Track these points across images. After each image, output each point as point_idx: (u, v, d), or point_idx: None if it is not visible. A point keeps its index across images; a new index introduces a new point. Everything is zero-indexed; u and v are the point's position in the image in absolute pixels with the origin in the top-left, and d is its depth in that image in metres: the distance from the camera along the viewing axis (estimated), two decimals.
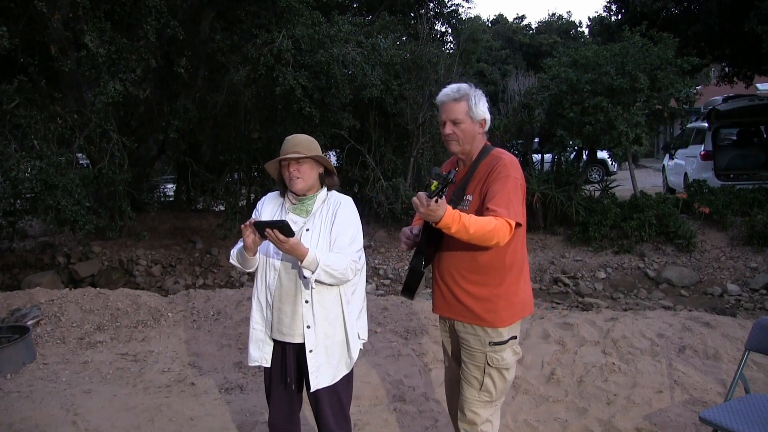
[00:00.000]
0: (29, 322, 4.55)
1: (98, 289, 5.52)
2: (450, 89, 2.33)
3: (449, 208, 1.99)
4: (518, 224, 2.17)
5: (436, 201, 1.92)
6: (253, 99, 9.92)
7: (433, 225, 2.04)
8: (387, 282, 8.21)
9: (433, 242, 2.33)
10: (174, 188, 12.53)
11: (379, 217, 9.60)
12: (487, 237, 2.07)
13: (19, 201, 7.67)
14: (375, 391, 3.63)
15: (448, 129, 2.31)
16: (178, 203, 11.61)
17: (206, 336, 4.62)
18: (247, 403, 3.54)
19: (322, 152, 2.43)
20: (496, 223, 2.07)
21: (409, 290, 2.38)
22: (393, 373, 3.84)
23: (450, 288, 2.37)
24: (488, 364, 2.32)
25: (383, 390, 3.65)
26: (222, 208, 10.58)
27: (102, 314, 4.87)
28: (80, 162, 8.64)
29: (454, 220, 1.99)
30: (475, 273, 2.30)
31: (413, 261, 2.34)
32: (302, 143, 2.37)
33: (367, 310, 5.12)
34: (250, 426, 3.29)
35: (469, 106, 2.28)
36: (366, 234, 9.50)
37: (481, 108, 2.30)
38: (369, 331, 4.51)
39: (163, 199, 11.87)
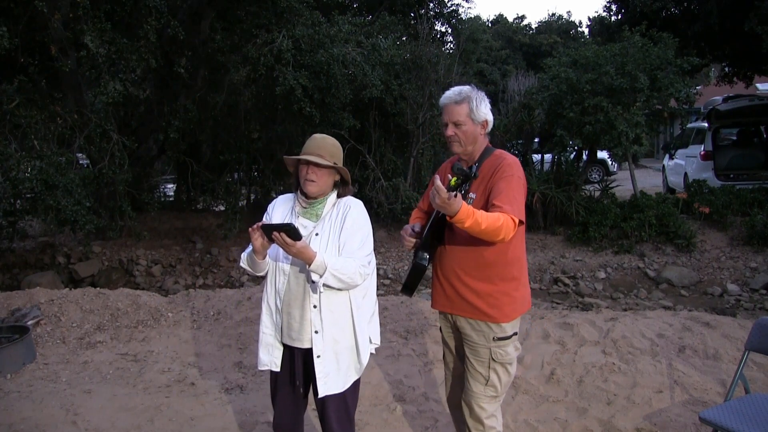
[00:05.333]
0: (29, 322, 4.55)
1: (98, 289, 5.51)
2: (452, 92, 2.40)
3: (464, 203, 2.03)
4: (521, 221, 2.23)
5: (455, 196, 1.97)
6: (253, 99, 9.93)
7: (448, 219, 2.07)
8: (387, 282, 8.20)
9: (438, 238, 2.39)
10: (174, 188, 12.52)
11: (379, 217, 9.59)
12: (496, 232, 2.11)
13: (19, 201, 7.67)
14: (375, 391, 3.63)
15: (450, 131, 2.37)
16: (178, 203, 11.60)
17: (206, 336, 4.62)
18: (247, 403, 3.54)
19: None
20: (504, 219, 2.12)
21: (409, 288, 2.42)
22: (393, 373, 3.84)
23: (453, 284, 2.41)
24: (493, 359, 2.38)
25: (383, 390, 3.65)
26: (222, 208, 10.59)
27: (102, 314, 4.87)
28: (80, 162, 8.64)
29: (469, 215, 2.03)
30: (479, 269, 2.35)
31: (417, 258, 2.37)
32: (327, 148, 2.32)
33: None
34: (250, 426, 3.29)
35: (470, 108, 2.35)
36: None
37: (483, 110, 2.37)
38: None
39: (163, 199, 11.85)
